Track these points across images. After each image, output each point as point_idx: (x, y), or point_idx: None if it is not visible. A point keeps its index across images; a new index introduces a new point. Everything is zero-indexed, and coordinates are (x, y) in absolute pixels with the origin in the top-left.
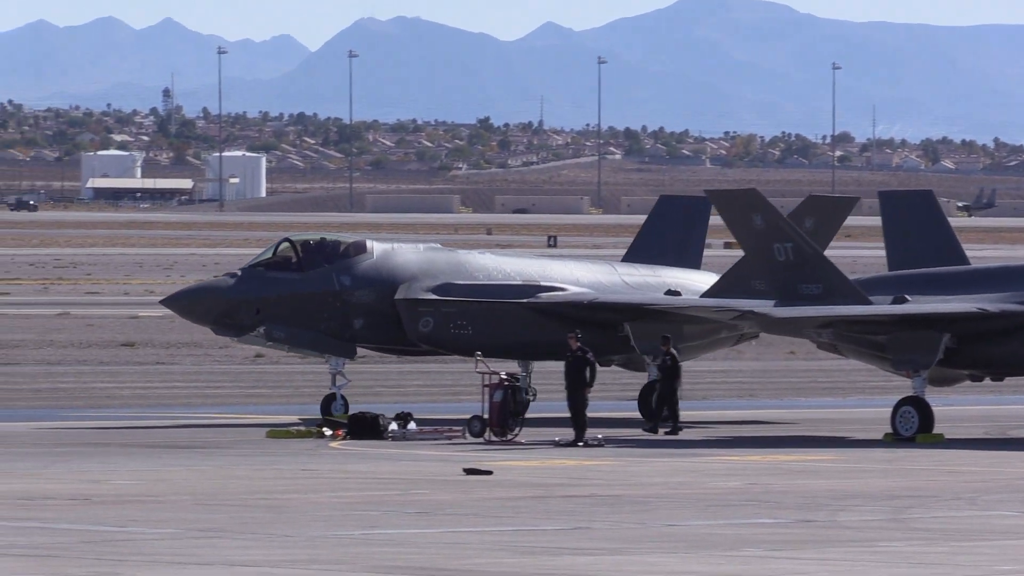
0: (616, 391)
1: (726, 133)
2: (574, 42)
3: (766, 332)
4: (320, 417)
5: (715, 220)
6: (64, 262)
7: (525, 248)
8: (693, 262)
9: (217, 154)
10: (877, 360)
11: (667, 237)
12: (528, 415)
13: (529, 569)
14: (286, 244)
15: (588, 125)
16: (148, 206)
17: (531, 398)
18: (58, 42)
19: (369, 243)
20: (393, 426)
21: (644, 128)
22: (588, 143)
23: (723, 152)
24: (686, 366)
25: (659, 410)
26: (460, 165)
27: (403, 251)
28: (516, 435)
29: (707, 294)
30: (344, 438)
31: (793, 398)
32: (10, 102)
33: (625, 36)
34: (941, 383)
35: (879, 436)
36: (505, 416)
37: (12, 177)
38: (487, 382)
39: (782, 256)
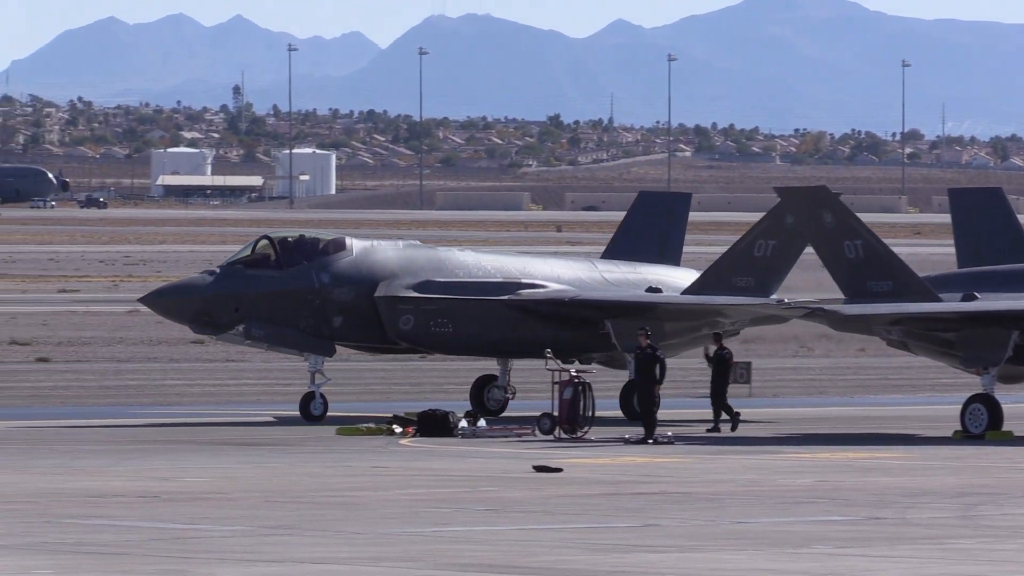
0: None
1: (796, 130)
2: (644, 39)
3: (836, 329)
4: (390, 415)
5: (694, 217)
6: (134, 259)
7: (595, 246)
8: (673, 258)
9: (287, 151)
10: (946, 357)
11: (647, 234)
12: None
13: (598, 566)
14: (265, 241)
15: (658, 122)
16: (218, 203)
17: (510, 396)
18: (128, 39)
19: (348, 240)
20: (463, 423)
21: (714, 125)
22: (658, 140)
23: (793, 149)
24: (410, 366)
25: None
26: (530, 162)
27: (382, 248)
28: (586, 432)
29: (688, 291)
30: (414, 435)
31: (863, 395)
32: (80, 99)
33: (695, 33)
34: (1010, 380)
35: (948, 433)
36: (575, 413)
37: (82, 174)
38: (557, 379)
39: (852, 253)
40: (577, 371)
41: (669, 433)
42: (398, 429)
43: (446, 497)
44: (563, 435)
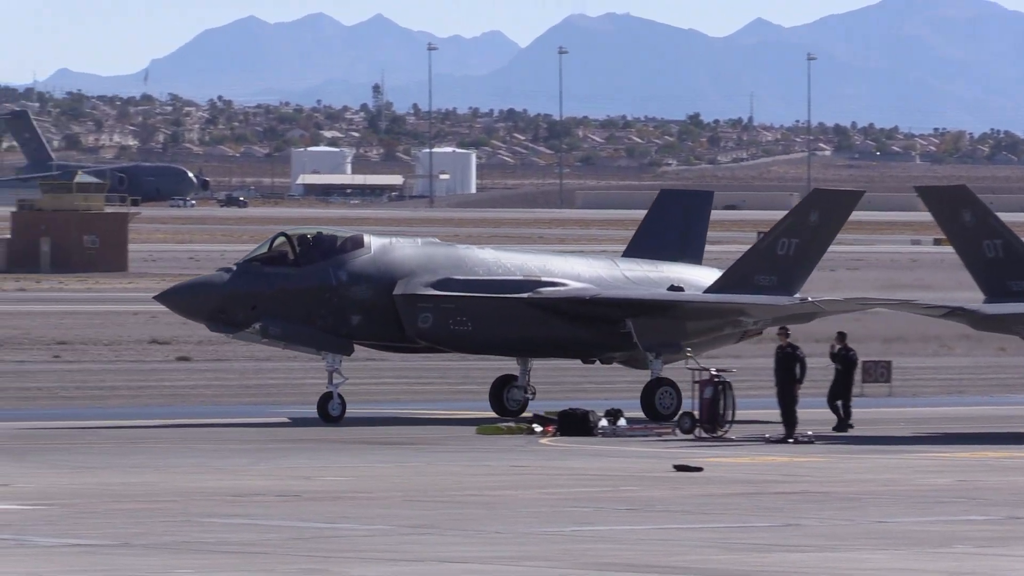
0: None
1: (935, 130)
2: (783, 38)
3: (975, 329)
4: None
5: (583, 215)
6: None
7: (734, 244)
8: (694, 257)
9: (427, 150)
10: None
11: (668, 232)
12: (740, 415)
13: (739, 566)
14: (282, 238)
15: (798, 121)
16: (358, 202)
17: (530, 396)
18: (268, 38)
19: (366, 237)
20: (603, 422)
21: (853, 124)
22: (798, 139)
23: (932, 149)
24: (552, 365)
25: (842, 408)
26: (670, 161)
27: (401, 246)
28: (726, 431)
29: (710, 290)
30: (554, 435)
31: (1003, 394)
32: (220, 98)
33: (834, 32)
34: None
35: None
36: (715, 412)
37: (222, 173)
38: (697, 379)
39: (991, 252)
40: (717, 371)
41: (809, 432)
42: (538, 428)
43: (586, 496)
44: (703, 434)
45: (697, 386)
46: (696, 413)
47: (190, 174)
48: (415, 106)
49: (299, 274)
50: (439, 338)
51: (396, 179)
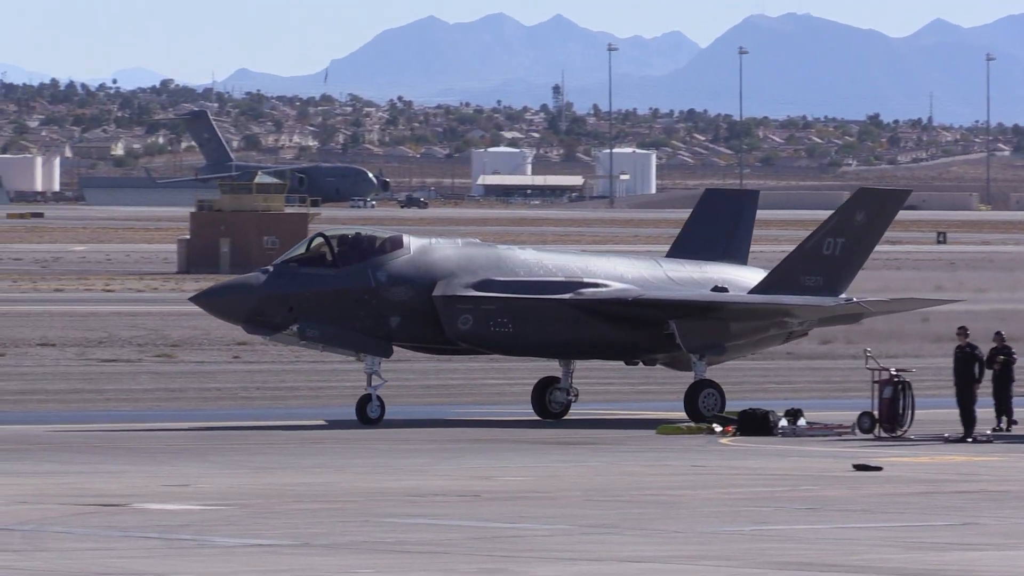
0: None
1: None
2: (963, 39)
3: None
4: (693, 420)
5: (763, 215)
6: None
7: (913, 245)
8: (739, 257)
9: (607, 151)
10: None
11: (713, 232)
12: (920, 413)
13: (917, 565)
14: (320, 239)
15: (977, 122)
16: (538, 203)
17: (572, 399)
18: (449, 39)
19: (406, 238)
20: (783, 422)
21: None
22: (977, 140)
23: None
24: (730, 365)
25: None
26: (850, 161)
27: (441, 246)
28: (905, 431)
29: (755, 291)
30: (734, 434)
31: None
32: (400, 99)
33: (1014, 33)
34: None
35: None
36: (895, 412)
37: (403, 174)
38: (877, 379)
39: None
40: (897, 371)
41: (988, 432)
42: (718, 428)
43: (765, 496)
44: (882, 434)
45: (876, 386)
46: (875, 413)
47: (370, 175)
48: (595, 106)
49: (337, 275)
50: (479, 340)
51: (576, 180)
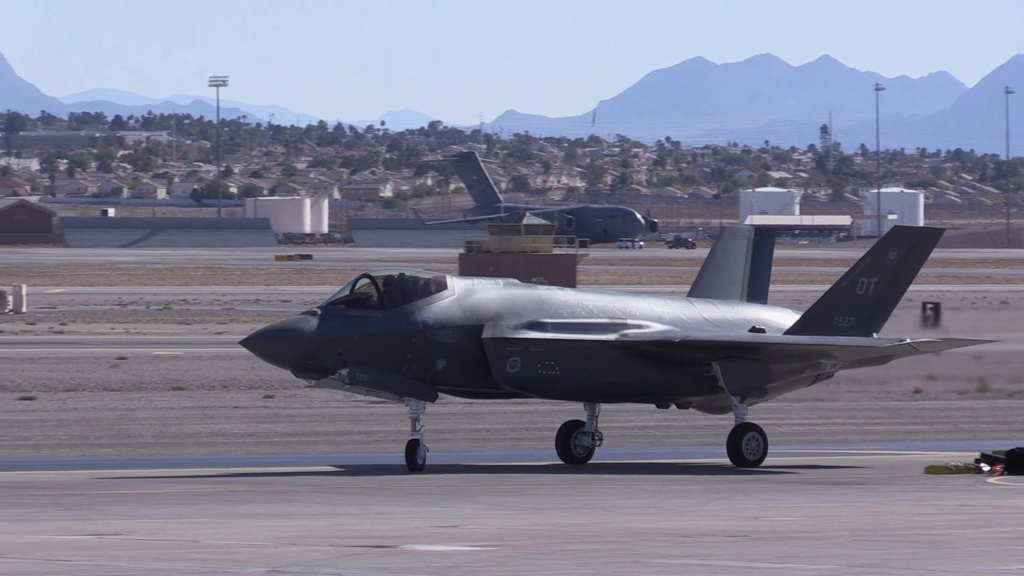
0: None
1: None
2: None
3: None
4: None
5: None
6: None
7: None
8: (760, 297)
9: (875, 191)
10: None
11: (733, 270)
12: None
13: None
14: (366, 280)
15: None
16: (806, 243)
17: (597, 443)
18: (716, 79)
19: (449, 279)
20: None
21: None
22: None
23: None
24: (763, 405)
25: None
26: None
27: (484, 287)
28: None
29: (791, 331)
30: (1002, 474)
31: None
32: (668, 139)
33: None
34: None
35: None
36: None
37: (670, 215)
38: None
39: None
40: None
41: None
42: (986, 467)
43: None
44: None
45: None
46: None
47: (638, 215)
48: (862, 146)
49: (385, 317)
50: (526, 383)
51: (844, 219)
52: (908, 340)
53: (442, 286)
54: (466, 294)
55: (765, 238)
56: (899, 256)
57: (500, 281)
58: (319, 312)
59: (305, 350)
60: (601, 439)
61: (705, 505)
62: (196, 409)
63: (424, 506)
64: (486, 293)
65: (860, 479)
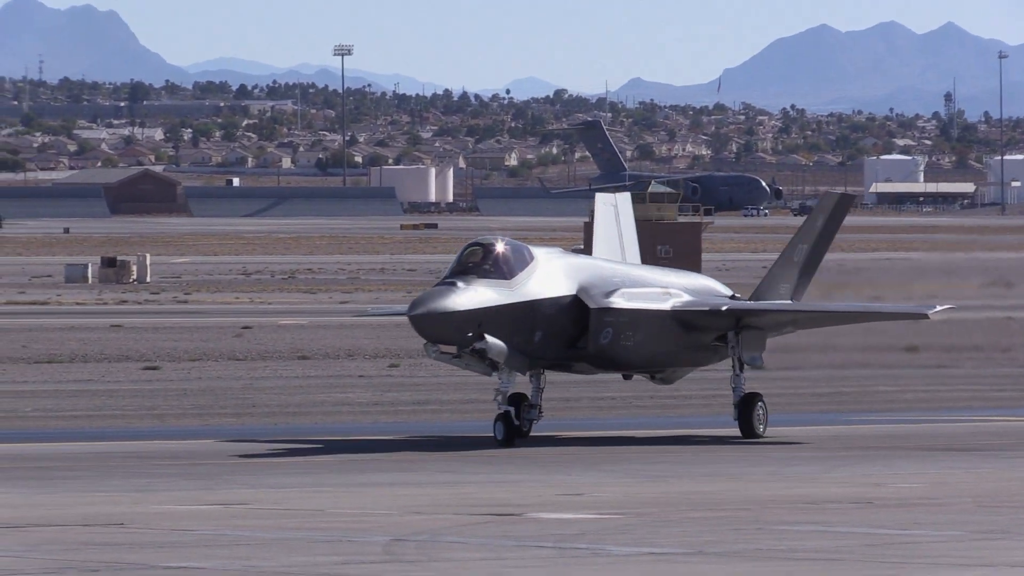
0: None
1: None
2: None
3: None
4: None
5: None
6: (847, 267)
7: None
8: (635, 258)
9: (998, 158)
10: None
11: (612, 236)
12: None
13: None
14: (477, 248)
15: None
16: (930, 210)
17: (538, 418)
18: (841, 46)
19: (532, 249)
20: None
21: None
22: None
23: None
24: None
25: None
26: None
27: (555, 257)
28: None
29: (752, 298)
30: None
31: None
32: (793, 107)
33: None
34: None
35: None
36: None
37: (795, 182)
38: None
39: None
40: None
41: None
42: None
43: None
44: None
45: None
46: None
47: (763, 183)
48: (986, 113)
49: (508, 288)
50: (612, 354)
51: (968, 187)
52: (940, 307)
53: (532, 255)
54: (548, 262)
55: (626, 201)
56: (823, 222)
57: (555, 249)
58: (458, 284)
59: (466, 323)
60: (541, 413)
61: (828, 472)
62: (321, 378)
63: (549, 474)
64: (560, 261)
65: (982, 445)
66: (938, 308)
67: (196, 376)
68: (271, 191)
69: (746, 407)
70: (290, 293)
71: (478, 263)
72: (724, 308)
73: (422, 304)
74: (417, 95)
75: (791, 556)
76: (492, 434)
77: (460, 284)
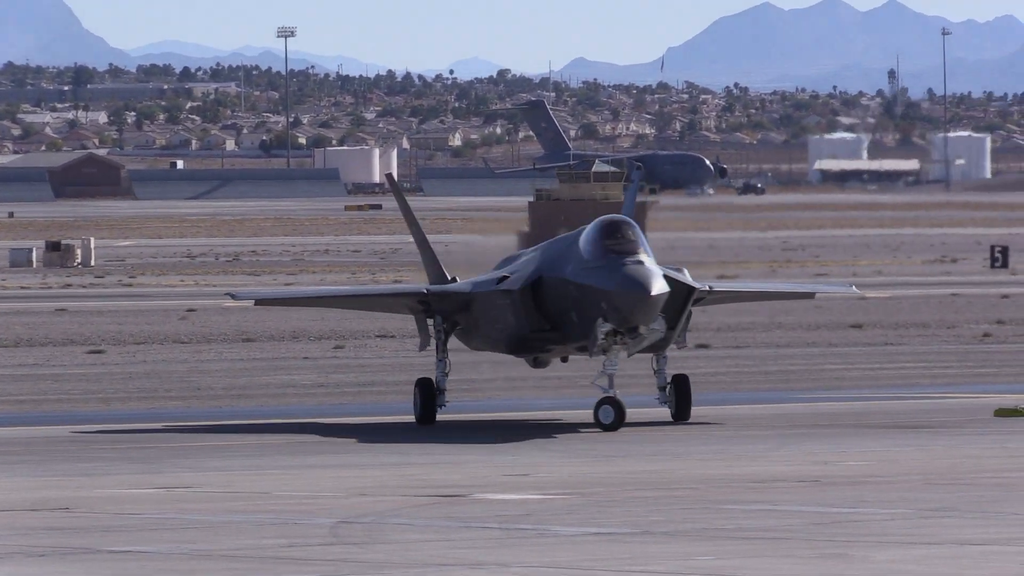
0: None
1: None
2: None
3: None
4: None
5: None
6: (791, 244)
7: None
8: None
9: (942, 135)
10: None
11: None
12: None
13: None
14: (624, 224)
15: None
16: (875, 188)
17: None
18: (783, 24)
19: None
20: None
21: None
22: None
23: None
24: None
25: None
26: None
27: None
28: None
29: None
30: None
31: None
32: (736, 85)
33: None
34: None
35: None
36: None
37: (739, 160)
38: None
39: None
40: None
41: None
42: None
43: None
44: None
45: None
46: None
47: (707, 162)
48: (930, 91)
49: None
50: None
51: (912, 164)
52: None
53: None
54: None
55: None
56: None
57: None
58: (644, 261)
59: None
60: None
61: (775, 450)
62: (266, 360)
63: (494, 455)
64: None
65: (930, 423)
66: (854, 288)
67: (141, 359)
68: (215, 173)
69: (684, 387)
70: (234, 275)
71: (636, 240)
72: (708, 287)
73: (646, 281)
74: (360, 76)
75: (738, 535)
76: (597, 419)
77: (647, 261)
